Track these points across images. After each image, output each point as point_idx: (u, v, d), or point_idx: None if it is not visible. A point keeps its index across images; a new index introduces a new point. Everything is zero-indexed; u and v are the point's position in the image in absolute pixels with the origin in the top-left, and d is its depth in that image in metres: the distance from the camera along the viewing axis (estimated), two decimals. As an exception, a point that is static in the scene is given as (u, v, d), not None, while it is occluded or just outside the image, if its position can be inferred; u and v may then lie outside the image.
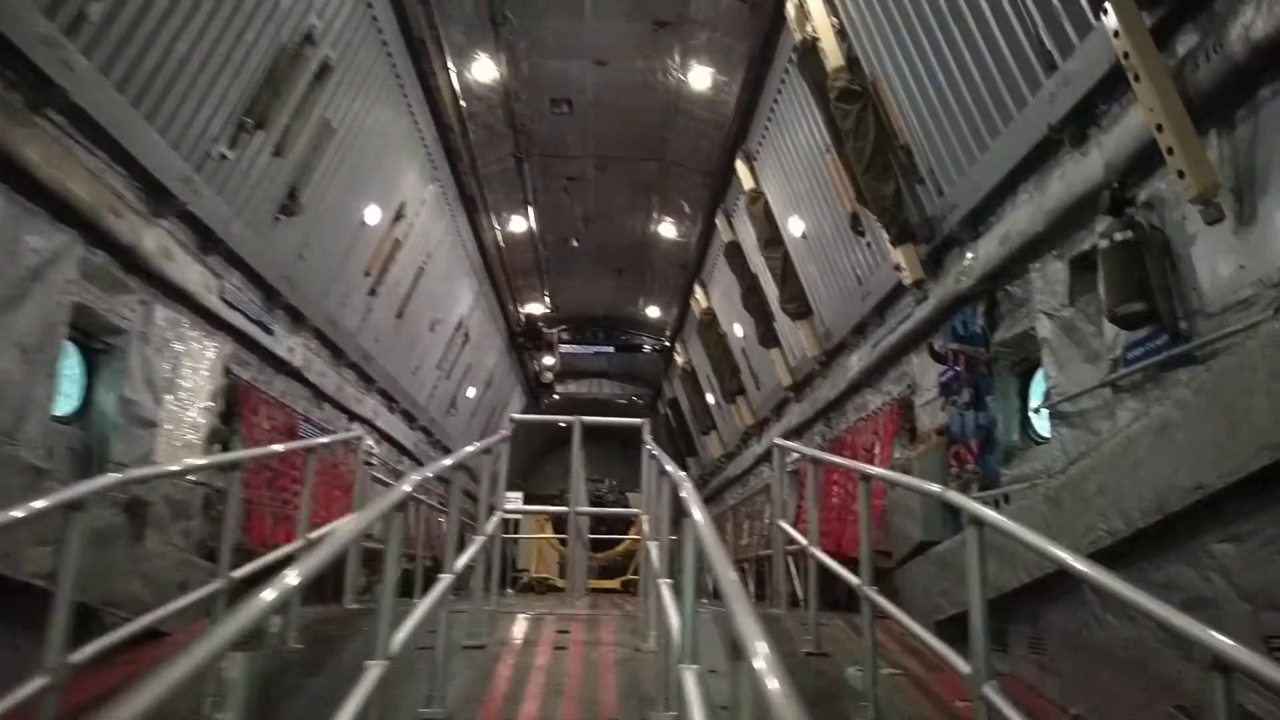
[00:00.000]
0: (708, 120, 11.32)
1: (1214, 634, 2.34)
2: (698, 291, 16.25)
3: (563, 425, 7.97)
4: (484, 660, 5.49)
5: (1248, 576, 3.67)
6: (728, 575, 2.24)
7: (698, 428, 20.48)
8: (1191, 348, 4.21)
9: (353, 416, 12.07)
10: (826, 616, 6.42)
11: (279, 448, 7.36)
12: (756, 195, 11.17)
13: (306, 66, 8.01)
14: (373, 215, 10.41)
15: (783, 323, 12.10)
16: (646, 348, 20.95)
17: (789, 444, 7.56)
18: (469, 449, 6.54)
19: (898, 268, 7.62)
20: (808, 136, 9.42)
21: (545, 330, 20.30)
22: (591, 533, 19.99)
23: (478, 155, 12.17)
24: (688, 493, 4.46)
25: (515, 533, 19.28)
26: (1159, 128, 4.12)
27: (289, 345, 9.48)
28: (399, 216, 11.19)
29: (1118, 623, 4.57)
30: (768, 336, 12.61)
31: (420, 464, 16.20)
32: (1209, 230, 4.11)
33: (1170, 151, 4.08)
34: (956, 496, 3.80)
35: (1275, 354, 3.42)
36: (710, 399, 18.57)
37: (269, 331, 9.00)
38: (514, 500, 18.95)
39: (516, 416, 8.18)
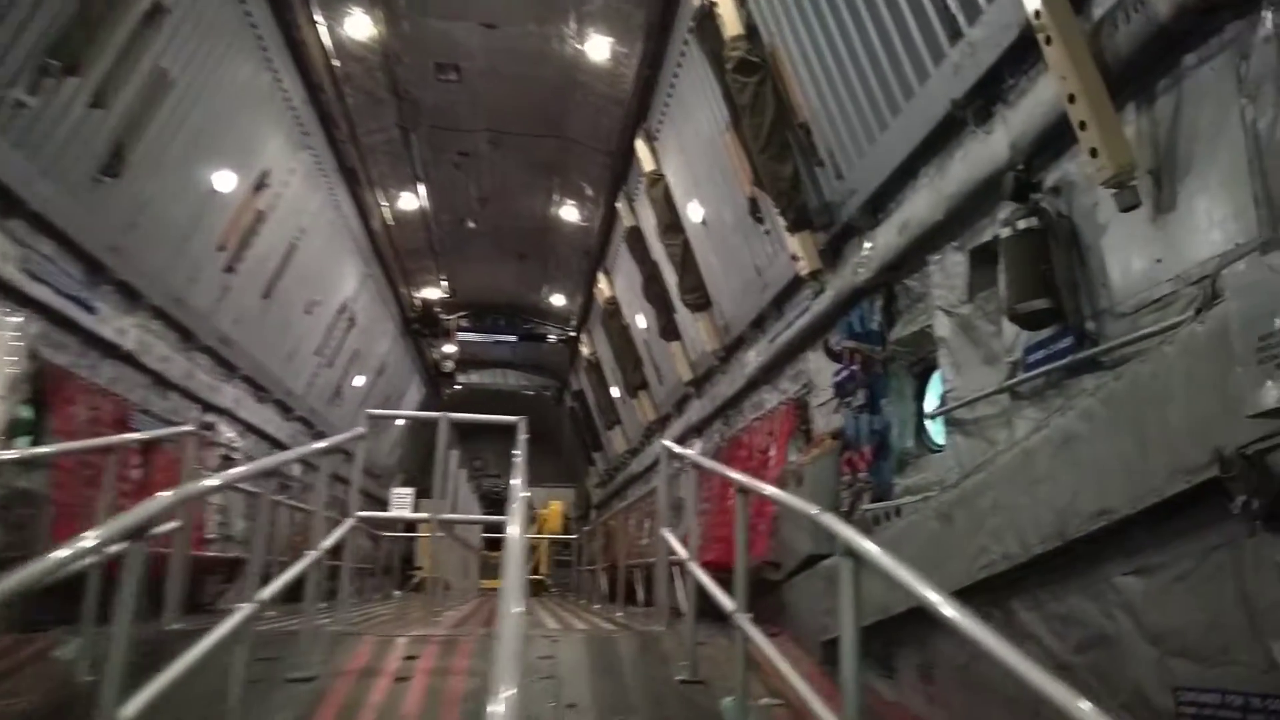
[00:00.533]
0: (607, 96, 10.58)
1: (1073, 699, 1.69)
2: (601, 280, 15.52)
3: (450, 418, 7.08)
4: (305, 698, 4.66)
5: (1155, 616, 3.18)
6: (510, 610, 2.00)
7: (603, 422, 19.79)
8: (1099, 351, 3.71)
9: (208, 407, 10.89)
10: (711, 633, 5.81)
11: (74, 445, 6.29)
12: (657, 178, 10.50)
13: (132, 6, 6.91)
14: (225, 182, 9.27)
15: (683, 315, 11.50)
16: (551, 337, 20.12)
17: (676, 446, 6.90)
18: (292, 452, 5.64)
19: (795, 257, 7.06)
20: (708, 114, 8.78)
21: (443, 317, 19.23)
22: (485, 530, 19.15)
23: (357, 123, 11.11)
24: (517, 504, 3.79)
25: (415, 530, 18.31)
26: (1071, 99, 3.59)
27: (118, 326, 8.31)
28: (261, 185, 10.06)
29: (1011, 656, 4.09)
30: (669, 329, 12.00)
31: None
32: (1123, 219, 3.61)
33: (1083, 126, 3.56)
34: (830, 520, 3.19)
35: (1194, 362, 2.91)
36: (615, 392, 17.90)
37: (90, 310, 7.83)
38: (405, 497, 17.95)
39: (374, 412, 7.30)
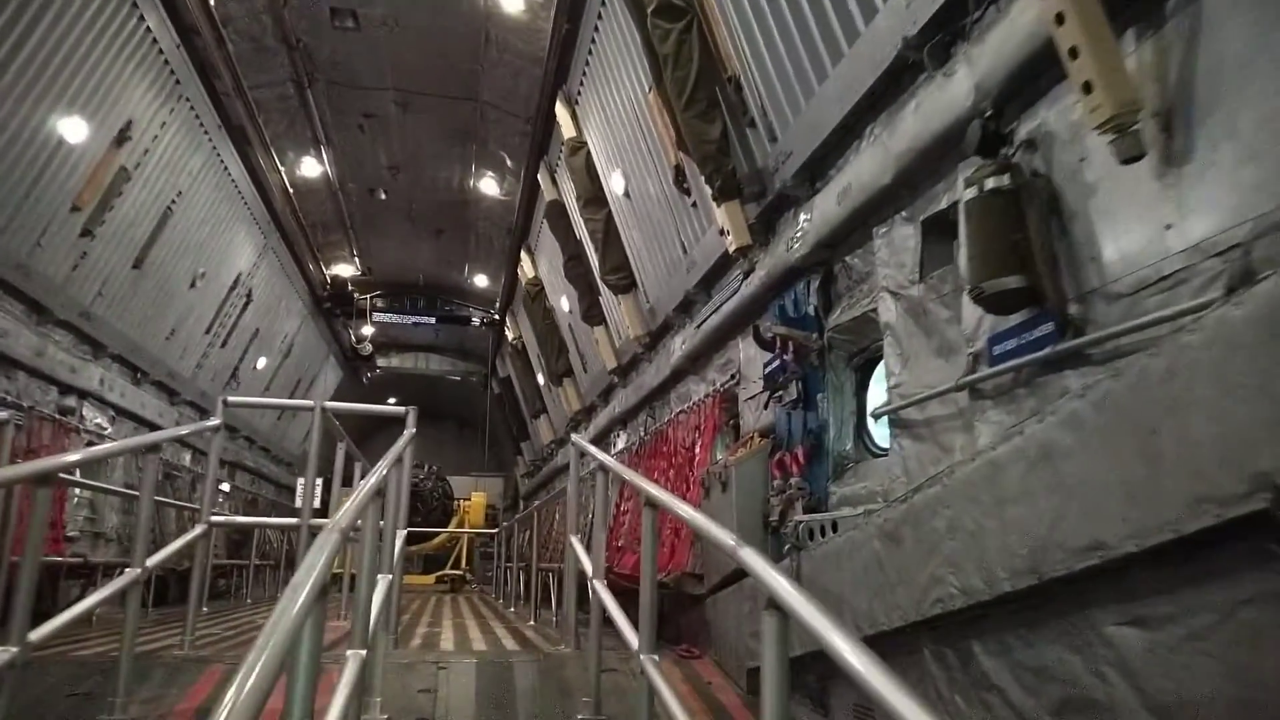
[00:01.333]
0: (525, 54, 9.57)
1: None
2: (524, 259, 14.52)
3: (328, 409, 6.09)
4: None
5: (1160, 681, 2.45)
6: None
7: (529, 410, 18.81)
8: (1086, 342, 2.96)
9: (66, 389, 9.61)
10: (623, 655, 4.98)
11: None
12: (578, 145, 9.57)
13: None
14: (75, 131, 8.00)
15: (608, 297, 10.62)
16: (475, 320, 19.01)
17: (586, 444, 6.05)
18: (109, 446, 4.60)
19: (723, 232, 6.24)
20: (630, 72, 7.89)
21: (358, 296, 17.94)
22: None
23: (243, 74, 9.87)
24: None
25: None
26: (1059, 19, 2.82)
27: (-68, 295, 7.05)
28: (123, 138, 8.78)
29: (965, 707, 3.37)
30: (592, 312, 11.10)
31: (182, 445, 13.66)
32: (1118, 177, 2.86)
33: (1074, 54, 2.79)
34: (751, 558, 2.38)
35: (1227, 355, 2.17)
36: (540, 380, 16.93)
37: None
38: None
39: (235, 400, 6.27)
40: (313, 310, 17.53)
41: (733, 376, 6.81)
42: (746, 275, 6.32)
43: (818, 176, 5.37)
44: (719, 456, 7.06)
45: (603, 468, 5.13)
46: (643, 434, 9.75)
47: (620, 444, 11.39)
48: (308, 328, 17.93)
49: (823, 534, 4.68)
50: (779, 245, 5.75)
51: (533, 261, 14.29)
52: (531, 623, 8.38)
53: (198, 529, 5.73)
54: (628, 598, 4.41)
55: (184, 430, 6.89)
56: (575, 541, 6.05)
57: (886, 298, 4.49)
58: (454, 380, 25.16)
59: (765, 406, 5.80)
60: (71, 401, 9.70)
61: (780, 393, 5.58)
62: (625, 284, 9.39)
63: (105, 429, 10.59)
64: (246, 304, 13.99)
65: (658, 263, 8.67)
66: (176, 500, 13.12)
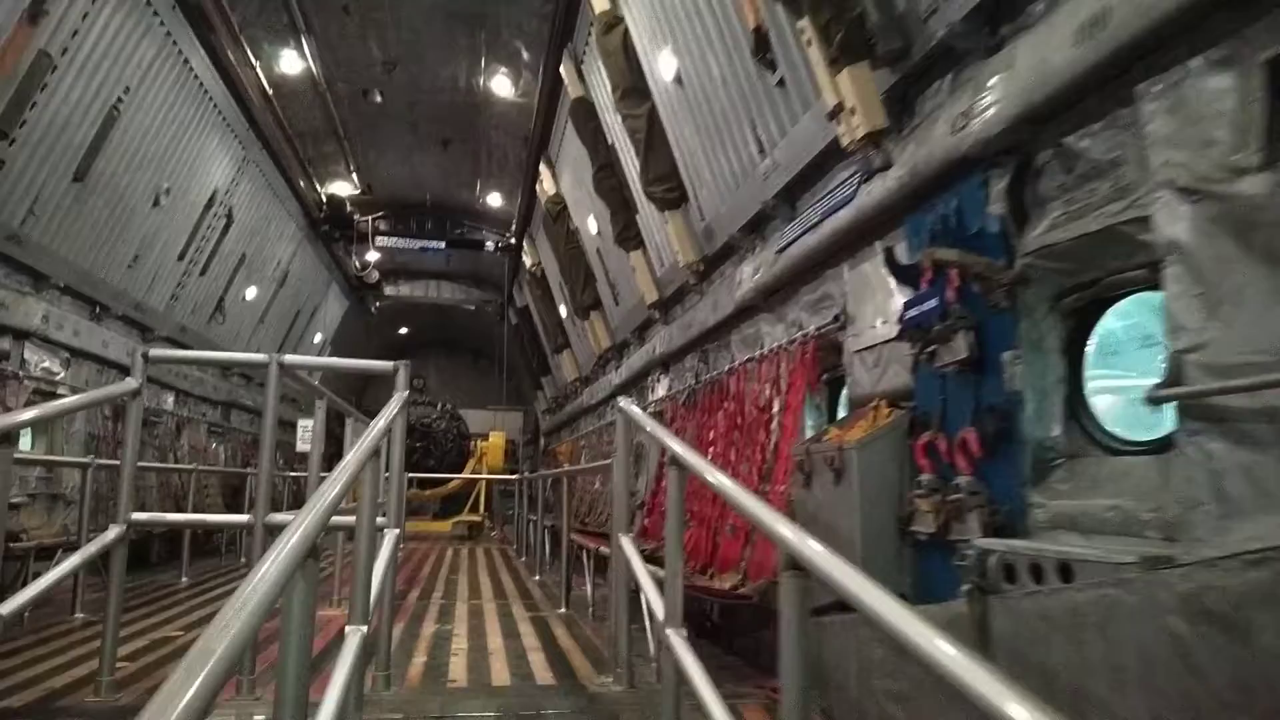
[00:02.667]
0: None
1: None
2: (544, 173, 12.58)
3: (285, 363, 4.36)
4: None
5: None
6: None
7: (551, 345, 17.13)
8: None
9: (1, 330, 8.00)
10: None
11: None
12: (613, 20, 7.57)
13: None
14: (-41, -5, 6.12)
15: (647, 215, 8.75)
16: (489, 245, 17.16)
17: (638, 414, 4.33)
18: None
19: (837, 111, 4.35)
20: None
21: (358, 218, 16.10)
22: (417, 468, 16.56)
23: (194, -66, 7.85)
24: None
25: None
26: None
27: None
28: (38, 13, 6.88)
29: None
30: (628, 234, 9.24)
31: (163, 387, 12.13)
32: None
33: None
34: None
35: None
36: (563, 311, 15.16)
37: None
38: (306, 430, 15.20)
39: (161, 354, 4.57)
40: (308, 234, 15.72)
41: (836, 319, 5.01)
42: (868, 177, 4.45)
43: (1008, 13, 3.46)
44: (810, 430, 5.33)
45: (675, 460, 3.36)
46: (693, 382, 8.02)
47: (660, 390, 9.69)
48: (304, 254, 16.15)
49: (1037, 579, 2.95)
50: (932, 128, 3.87)
51: (554, 175, 12.35)
52: (562, 610, 6.84)
53: (112, 532, 4.11)
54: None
55: (99, 394, 5.17)
56: (627, 546, 4.36)
57: (1172, 200, 2.65)
58: (467, 310, 23.47)
59: (913, 369, 4.02)
60: (6, 344, 8.07)
61: (932, 347, 3.80)
62: (673, 197, 7.51)
63: (56, 374, 8.99)
64: (227, 226, 12.20)
65: (719, 169, 6.77)
66: (157, 450, 11.67)
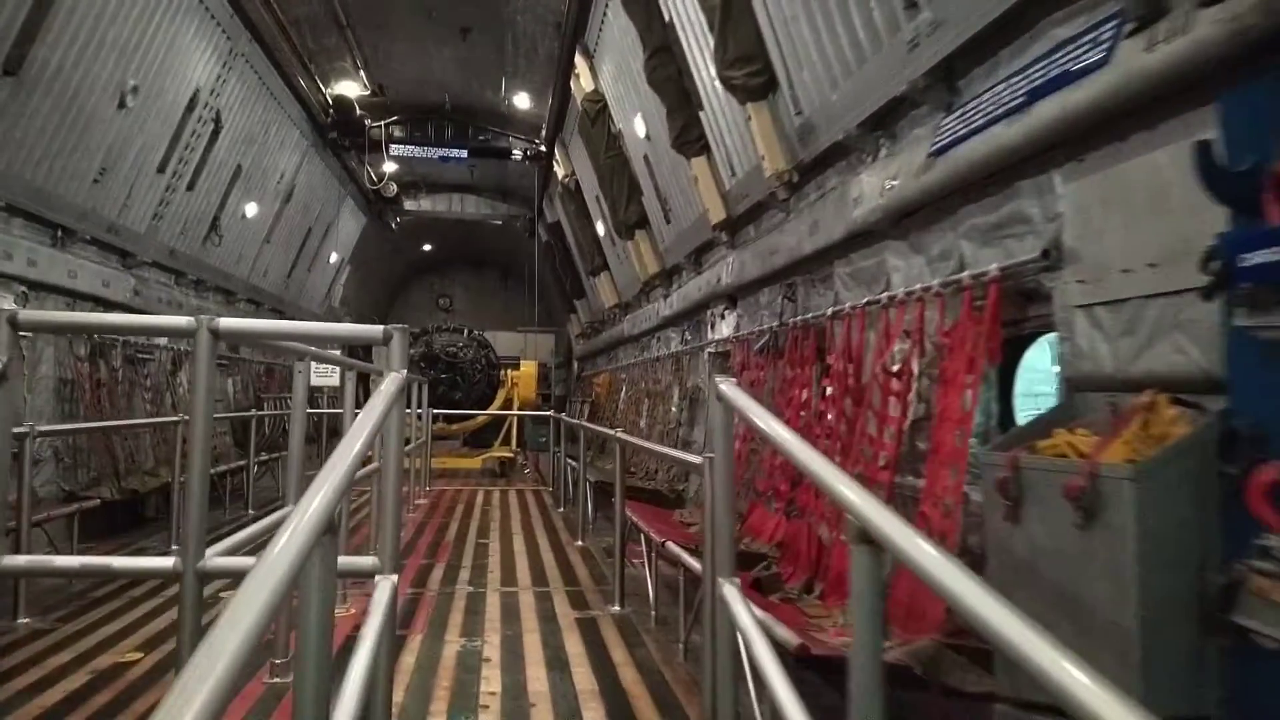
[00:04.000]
0: None
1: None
2: (581, 66, 10.67)
3: (215, 328, 2.81)
4: None
5: None
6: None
7: (586, 265, 15.48)
8: None
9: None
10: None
11: None
12: None
13: None
14: None
15: (717, 110, 6.95)
16: (516, 154, 15.33)
17: (746, 401, 2.76)
18: None
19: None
20: None
21: (369, 124, 14.29)
22: (442, 401, 15.23)
23: None
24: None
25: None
26: None
27: None
28: None
29: None
30: (688, 136, 7.46)
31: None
32: None
33: None
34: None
35: None
36: (600, 229, 13.44)
37: None
38: (332, 374, 13.87)
39: (32, 318, 3.07)
40: (315, 142, 14.00)
41: (1045, 254, 3.32)
42: (1141, 24, 2.70)
43: None
44: (973, 442, 3.72)
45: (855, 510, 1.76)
46: (774, 324, 6.40)
47: (724, 328, 8.09)
48: (311, 165, 14.48)
49: None
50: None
51: (592, 68, 10.45)
52: (615, 608, 5.44)
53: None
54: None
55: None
56: (734, 599, 2.82)
57: None
58: (493, 225, 21.78)
59: (1232, 346, 2.37)
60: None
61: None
62: (758, 84, 5.72)
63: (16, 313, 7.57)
64: (216, 133, 10.54)
65: (829, 41, 4.95)
66: (149, 391, 10.37)
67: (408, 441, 8.32)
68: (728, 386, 2.97)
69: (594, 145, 10.85)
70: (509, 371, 15.68)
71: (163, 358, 10.95)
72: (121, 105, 8.40)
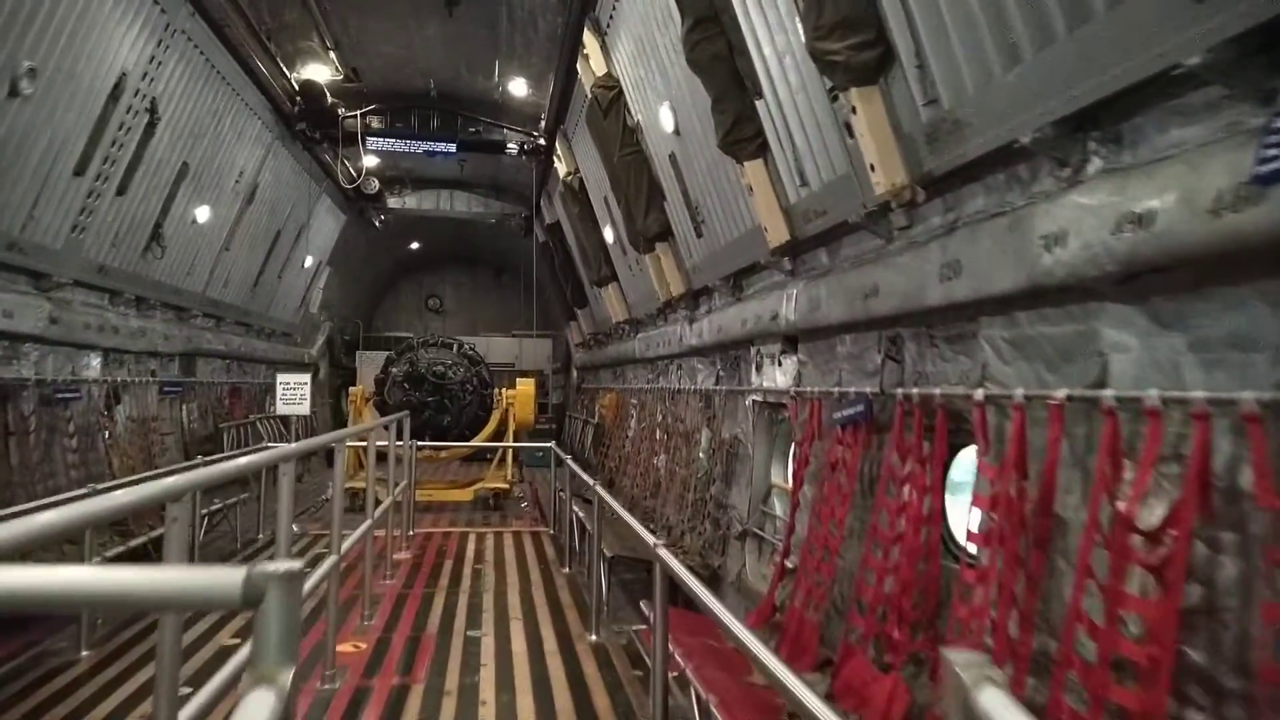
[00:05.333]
0: None
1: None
2: (590, 43, 8.91)
3: None
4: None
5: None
6: None
7: (591, 274, 13.74)
8: None
9: None
10: None
11: None
12: None
13: None
14: None
15: (786, 98, 5.21)
16: (511, 148, 13.55)
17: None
18: None
19: None
20: None
21: (343, 113, 12.48)
22: (429, 426, 13.50)
23: None
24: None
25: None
26: None
27: None
28: None
29: None
30: (742, 132, 5.72)
31: (84, 348, 9.03)
32: None
33: None
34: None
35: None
36: (608, 235, 11.70)
37: None
38: (299, 388, 12.13)
39: None
40: (280, 134, 12.19)
41: None
42: None
43: None
44: None
45: None
46: (873, 389, 4.70)
47: (780, 376, 6.40)
48: (278, 160, 12.67)
49: None
50: None
51: (604, 47, 8.69)
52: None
53: None
54: None
55: None
56: None
57: None
58: (487, 224, 20.01)
59: None
60: None
61: None
62: (867, 60, 3.98)
63: None
64: (151, 125, 8.74)
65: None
66: (72, 437, 8.60)
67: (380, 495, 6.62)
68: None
69: (605, 140, 9.10)
70: (504, 391, 13.87)
71: (92, 393, 9.19)
72: (13, 93, 6.61)
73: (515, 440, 13.22)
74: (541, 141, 13.15)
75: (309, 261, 16.66)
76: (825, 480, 5.05)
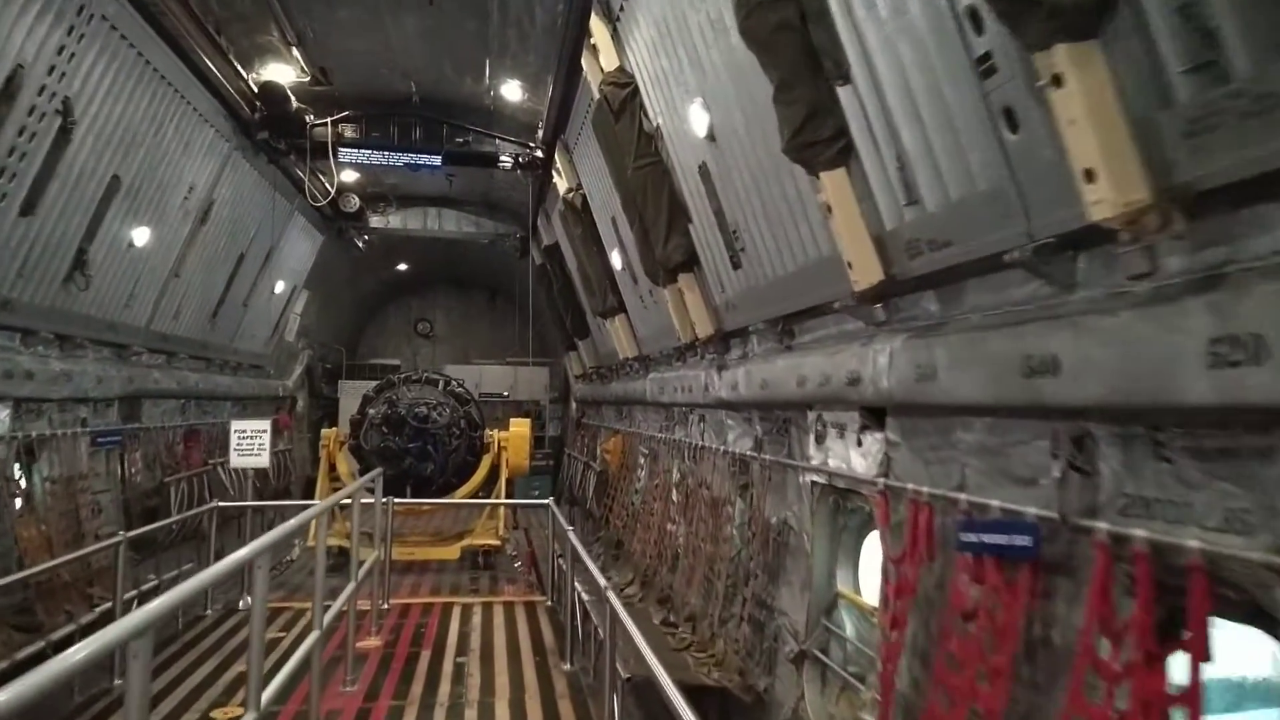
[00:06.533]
0: None
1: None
2: (598, 33, 7.38)
3: None
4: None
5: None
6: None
7: (596, 303, 12.16)
8: None
9: None
10: None
11: None
12: None
13: None
14: None
15: (891, 79, 3.67)
16: (505, 161, 12.02)
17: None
18: None
19: None
20: None
21: (311, 120, 10.94)
22: (409, 476, 11.85)
23: None
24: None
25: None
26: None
27: None
28: None
29: None
30: (817, 133, 4.15)
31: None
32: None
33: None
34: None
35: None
36: (616, 261, 10.13)
37: None
38: (257, 438, 10.51)
39: None
40: (239, 144, 10.63)
41: None
42: None
43: None
44: None
45: None
46: (1061, 492, 3.12)
47: (857, 459, 4.81)
48: (238, 173, 11.10)
49: None
50: None
51: (616, 37, 7.14)
52: None
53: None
54: None
55: None
56: None
57: None
58: (480, 244, 18.46)
59: None
60: None
61: None
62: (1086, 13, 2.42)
63: None
64: (65, 129, 7.17)
65: None
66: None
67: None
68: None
69: (616, 148, 7.55)
70: (495, 433, 12.15)
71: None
72: None
73: (508, 483, 11.58)
74: (539, 154, 11.62)
75: (280, 286, 15.07)
76: (955, 633, 3.46)
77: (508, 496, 11.81)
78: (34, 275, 7.67)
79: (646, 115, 6.99)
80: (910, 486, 4.10)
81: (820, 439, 5.39)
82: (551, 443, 22.52)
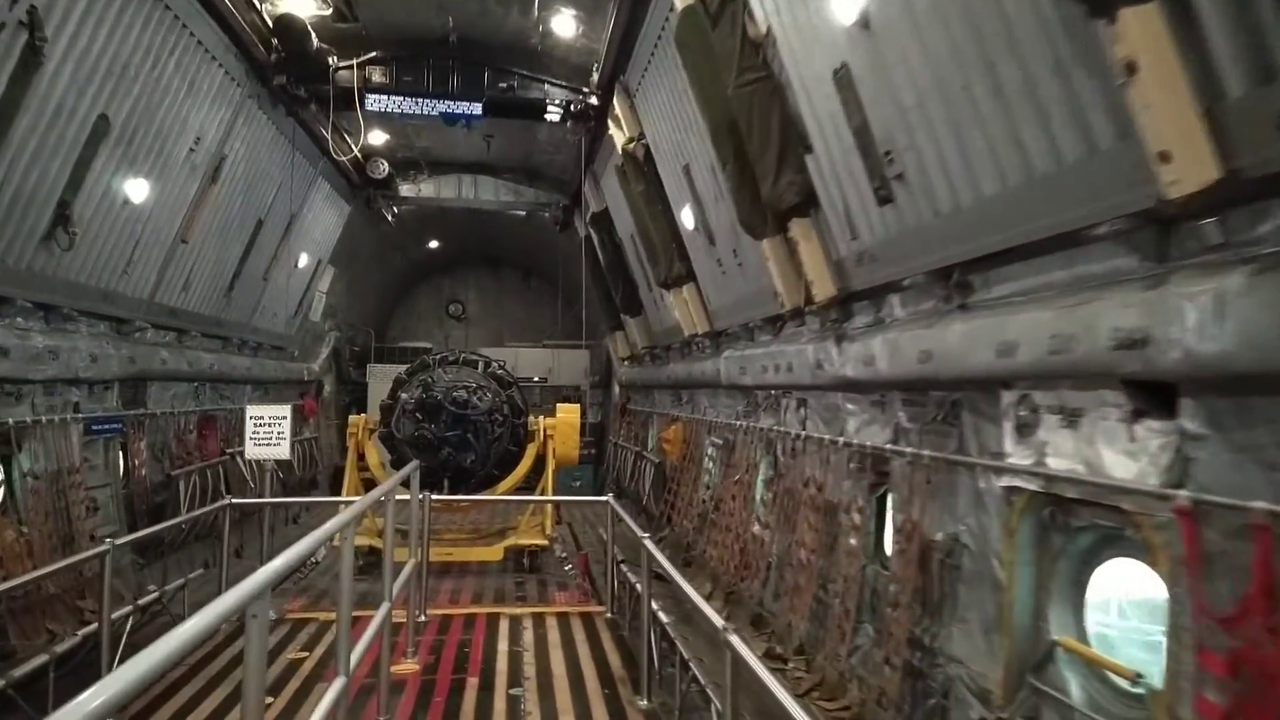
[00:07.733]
0: None
1: None
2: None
3: None
4: None
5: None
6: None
7: (656, 272, 10.70)
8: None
9: None
10: None
11: None
12: None
13: None
14: None
15: None
16: (553, 110, 10.55)
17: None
18: None
19: None
20: None
21: (334, 63, 9.55)
22: (448, 467, 10.45)
23: None
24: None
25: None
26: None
27: None
28: None
29: None
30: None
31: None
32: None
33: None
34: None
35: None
36: (687, 219, 8.65)
37: None
38: (277, 424, 9.22)
39: None
40: (253, 89, 9.27)
41: None
42: None
43: None
44: None
45: None
46: None
47: (1123, 461, 3.31)
48: (253, 126, 9.76)
49: None
50: None
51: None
52: None
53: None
54: None
55: None
56: None
57: None
58: (514, 216, 17.04)
59: None
60: None
61: None
62: None
63: None
64: (35, 47, 5.83)
65: None
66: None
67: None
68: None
69: (707, 66, 6.05)
70: (541, 420, 10.70)
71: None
72: None
73: (552, 476, 10.24)
74: (594, 100, 10.13)
75: (304, 260, 13.77)
76: None
77: (553, 483, 10.48)
78: (3, 230, 6.37)
79: (752, 18, 5.49)
80: (1236, 503, 2.63)
81: (1027, 429, 3.91)
82: (593, 429, 21.16)
